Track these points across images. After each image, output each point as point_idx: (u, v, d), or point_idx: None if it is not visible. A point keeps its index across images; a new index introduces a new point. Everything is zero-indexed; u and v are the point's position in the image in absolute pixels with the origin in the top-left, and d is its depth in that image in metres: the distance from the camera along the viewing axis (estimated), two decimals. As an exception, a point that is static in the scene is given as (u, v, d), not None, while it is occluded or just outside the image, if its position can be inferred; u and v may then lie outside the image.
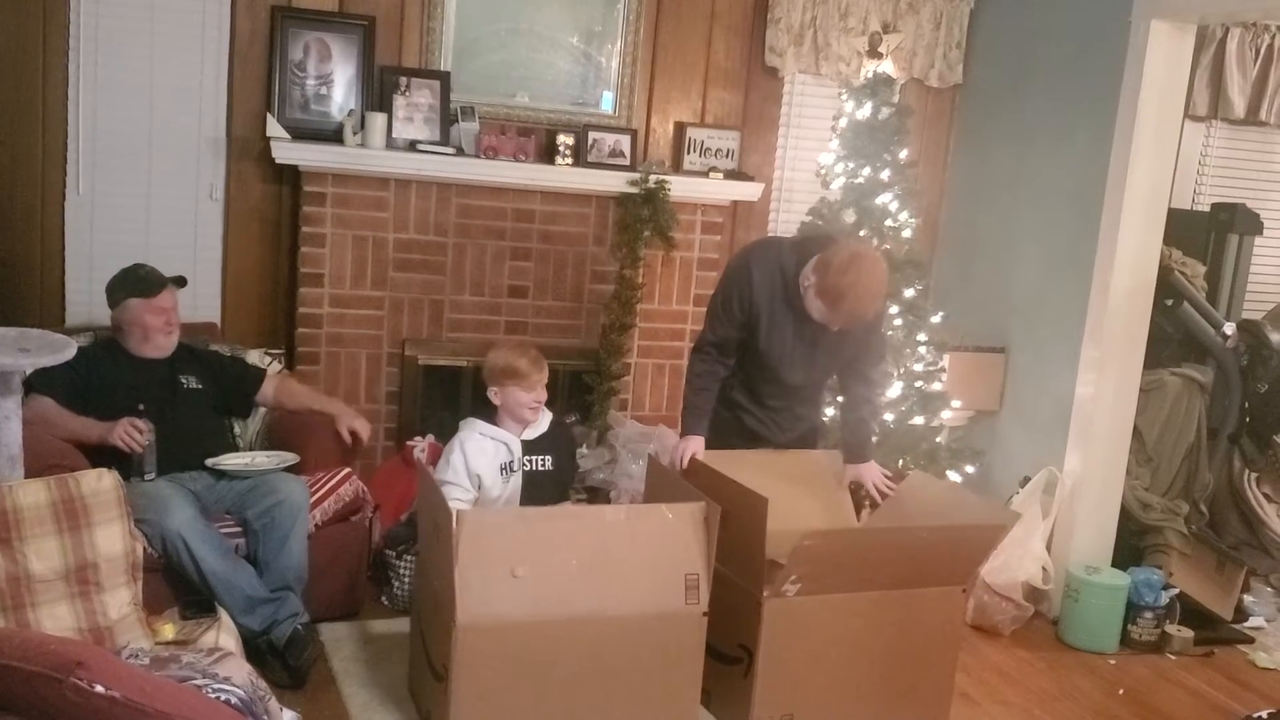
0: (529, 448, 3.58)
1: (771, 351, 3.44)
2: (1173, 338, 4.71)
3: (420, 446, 4.33)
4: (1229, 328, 4.72)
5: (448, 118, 4.56)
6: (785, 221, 5.20)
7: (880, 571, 3.20)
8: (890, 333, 4.41)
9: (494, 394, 3.55)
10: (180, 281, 3.72)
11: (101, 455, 3.26)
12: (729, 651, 3.21)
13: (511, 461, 3.54)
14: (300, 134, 4.37)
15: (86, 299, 4.20)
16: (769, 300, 3.38)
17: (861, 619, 3.22)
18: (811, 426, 3.77)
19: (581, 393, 4.84)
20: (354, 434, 3.79)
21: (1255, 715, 3.56)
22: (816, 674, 3.20)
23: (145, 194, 4.38)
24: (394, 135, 4.47)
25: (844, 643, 3.22)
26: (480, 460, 3.51)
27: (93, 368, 3.55)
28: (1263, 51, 5.21)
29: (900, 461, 4.43)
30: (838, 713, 3.26)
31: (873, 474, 3.62)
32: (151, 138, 4.36)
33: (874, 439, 3.79)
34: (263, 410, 4.01)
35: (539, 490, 3.56)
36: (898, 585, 3.23)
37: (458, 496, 3.41)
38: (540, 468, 3.58)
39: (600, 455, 4.62)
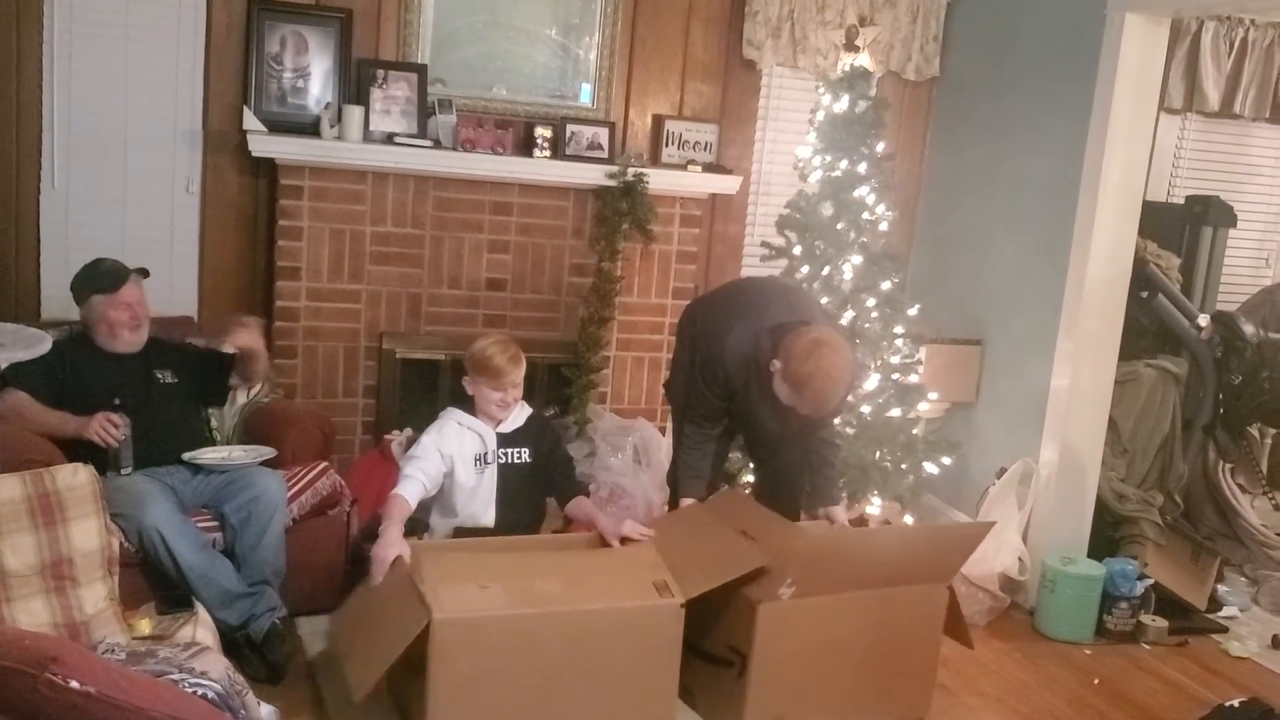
0: (505, 440, 3.56)
1: (747, 419, 3.67)
2: (1148, 330, 4.74)
3: (398, 440, 4.32)
4: (1203, 319, 4.75)
5: (425, 110, 4.54)
6: (764, 215, 5.20)
7: (869, 571, 3.22)
8: (868, 326, 4.43)
9: (468, 384, 3.58)
10: (142, 273, 3.67)
11: (77, 450, 3.24)
12: (718, 653, 3.20)
13: (486, 453, 3.53)
14: (277, 127, 4.35)
15: (62, 294, 4.11)
16: (744, 384, 3.54)
17: (850, 619, 3.23)
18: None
19: (560, 386, 4.84)
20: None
21: (1228, 704, 3.58)
22: (807, 674, 3.21)
23: (121, 187, 4.36)
24: (371, 128, 4.45)
25: (833, 643, 3.23)
26: (455, 445, 3.51)
27: (67, 362, 3.53)
28: (1237, 44, 5.25)
29: (877, 453, 4.45)
30: (826, 711, 3.27)
31: (839, 516, 3.71)
32: (127, 131, 4.33)
33: (840, 481, 3.93)
34: (240, 404, 3.98)
35: (517, 483, 3.55)
36: (885, 584, 3.25)
37: (415, 470, 3.39)
38: (517, 460, 3.57)
39: (579, 449, 4.62)
